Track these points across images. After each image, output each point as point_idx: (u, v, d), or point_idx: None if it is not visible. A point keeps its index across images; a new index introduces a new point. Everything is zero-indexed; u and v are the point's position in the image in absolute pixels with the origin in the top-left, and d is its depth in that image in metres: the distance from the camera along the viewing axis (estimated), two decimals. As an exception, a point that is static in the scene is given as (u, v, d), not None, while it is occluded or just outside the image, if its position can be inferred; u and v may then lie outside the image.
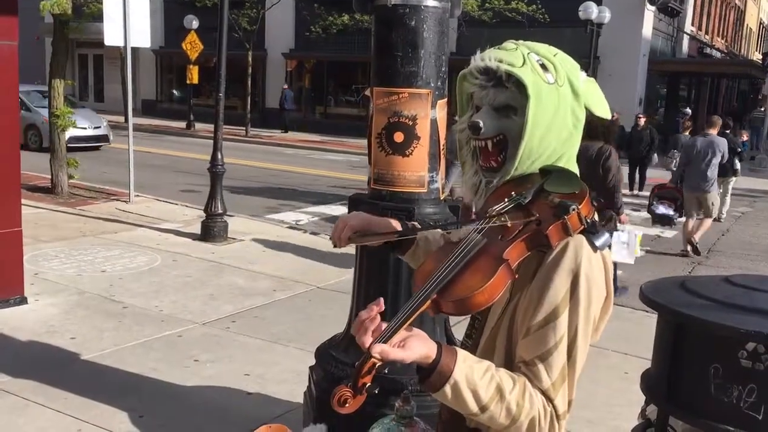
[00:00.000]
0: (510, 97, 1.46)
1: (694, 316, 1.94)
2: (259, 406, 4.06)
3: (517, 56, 1.46)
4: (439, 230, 1.80)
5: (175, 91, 30.32)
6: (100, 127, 17.78)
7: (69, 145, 13.81)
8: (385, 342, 1.23)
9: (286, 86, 25.24)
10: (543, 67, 1.46)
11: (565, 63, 1.50)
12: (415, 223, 1.81)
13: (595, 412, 4.09)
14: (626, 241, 6.24)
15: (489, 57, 1.47)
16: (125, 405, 3.95)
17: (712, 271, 8.12)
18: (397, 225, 1.74)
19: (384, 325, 1.27)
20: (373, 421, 1.95)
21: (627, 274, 7.46)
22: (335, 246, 1.74)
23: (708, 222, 9.14)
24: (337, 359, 3.19)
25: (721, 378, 1.89)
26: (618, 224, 6.23)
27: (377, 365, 1.25)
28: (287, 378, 4.41)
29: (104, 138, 17.88)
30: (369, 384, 1.26)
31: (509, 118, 1.47)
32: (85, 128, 16.39)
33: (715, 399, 1.90)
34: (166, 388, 4.24)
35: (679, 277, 2.39)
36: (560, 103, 1.46)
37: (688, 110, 19.81)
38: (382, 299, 1.31)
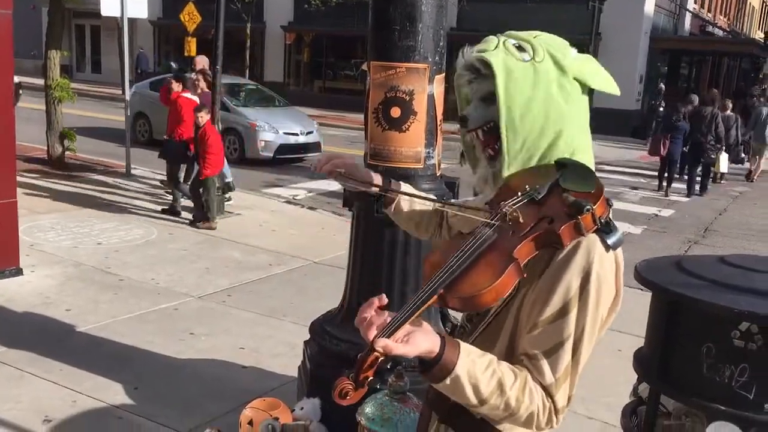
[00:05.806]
0: (491, 83, 1.47)
1: (688, 296, 1.94)
2: (253, 379, 4.08)
3: (491, 42, 1.50)
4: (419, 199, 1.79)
5: (172, 63, 30.01)
6: (312, 132, 13.32)
7: (277, 156, 12.28)
8: (389, 336, 1.21)
9: (141, 49, 24.17)
10: (519, 48, 1.48)
11: (547, 41, 1.52)
12: (401, 183, 1.82)
13: (588, 390, 4.11)
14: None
15: (466, 51, 1.53)
16: (120, 377, 3.97)
17: (708, 250, 8.13)
18: (379, 181, 1.77)
19: (389, 318, 1.25)
20: (367, 396, 1.96)
21: (625, 254, 7.47)
22: (314, 171, 1.78)
23: (761, 162, 14.32)
24: (332, 334, 3.20)
25: (714, 357, 1.90)
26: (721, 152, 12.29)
27: (380, 359, 1.23)
28: (282, 351, 4.43)
29: (316, 147, 13.15)
30: (371, 378, 1.25)
31: (495, 104, 1.48)
32: (296, 134, 12.84)
33: (707, 378, 1.91)
34: (161, 361, 4.26)
35: (675, 256, 2.39)
36: (539, 79, 1.46)
37: (662, 86, 20.31)
38: (384, 296, 1.30)
